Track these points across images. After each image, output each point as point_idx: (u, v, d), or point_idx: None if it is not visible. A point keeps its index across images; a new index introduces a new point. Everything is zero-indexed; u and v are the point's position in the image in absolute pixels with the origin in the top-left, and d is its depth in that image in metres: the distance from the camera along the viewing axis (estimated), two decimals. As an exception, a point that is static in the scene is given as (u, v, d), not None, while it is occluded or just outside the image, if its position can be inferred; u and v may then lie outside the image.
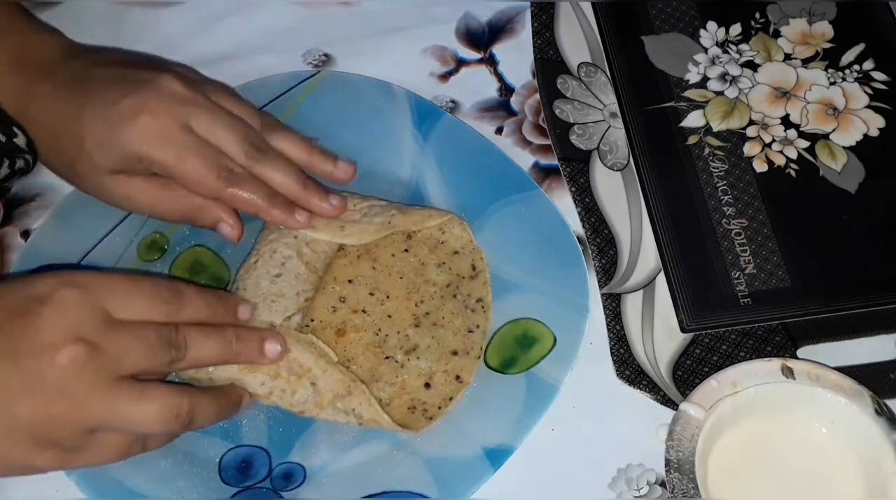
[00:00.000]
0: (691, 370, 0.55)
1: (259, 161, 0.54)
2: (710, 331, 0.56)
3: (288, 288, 0.55)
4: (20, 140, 0.52)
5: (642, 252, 0.58)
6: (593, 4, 0.67)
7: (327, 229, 0.56)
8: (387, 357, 0.54)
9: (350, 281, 0.56)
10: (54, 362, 0.43)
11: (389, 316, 0.55)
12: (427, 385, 0.54)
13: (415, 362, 0.54)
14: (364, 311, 0.55)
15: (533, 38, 0.66)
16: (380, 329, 0.55)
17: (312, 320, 0.55)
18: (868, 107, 0.63)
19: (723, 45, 0.66)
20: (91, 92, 0.53)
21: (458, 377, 0.54)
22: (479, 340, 0.55)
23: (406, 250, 0.57)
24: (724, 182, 0.61)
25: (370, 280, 0.56)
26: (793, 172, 0.61)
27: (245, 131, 0.54)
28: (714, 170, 0.61)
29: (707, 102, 0.63)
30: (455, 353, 0.54)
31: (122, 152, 0.52)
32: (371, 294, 0.56)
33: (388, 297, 0.56)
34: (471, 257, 0.57)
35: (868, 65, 0.65)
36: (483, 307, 0.56)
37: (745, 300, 0.57)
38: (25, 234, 0.59)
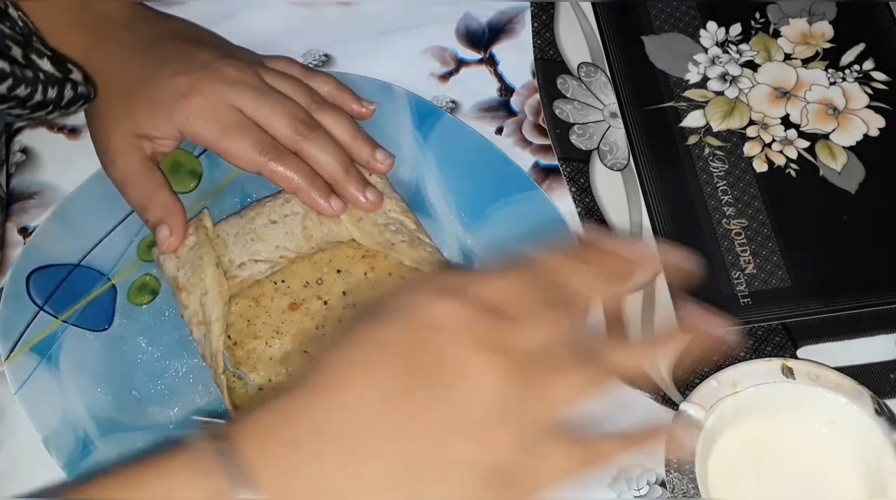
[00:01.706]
0: (691, 370, 0.55)
1: (306, 138, 0.55)
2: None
3: (272, 237, 0.55)
4: (77, 75, 0.53)
5: (642, 252, 0.58)
6: (593, 4, 0.67)
7: (347, 213, 0.56)
8: (305, 351, 0.53)
9: (339, 271, 0.56)
10: (477, 383, 0.38)
11: (339, 321, 0.54)
12: None
13: None
14: (326, 303, 0.55)
15: (533, 38, 0.66)
16: (323, 326, 0.54)
17: (283, 281, 0.55)
18: (868, 107, 0.63)
19: (723, 45, 0.66)
20: (152, 61, 0.55)
21: None
22: None
23: (403, 277, 0.55)
24: (724, 182, 0.61)
25: (354, 281, 0.55)
26: (793, 172, 0.61)
27: (293, 109, 0.55)
28: (714, 170, 0.61)
29: (707, 102, 0.63)
30: None
31: (167, 124, 0.54)
32: (344, 294, 0.55)
33: (353, 304, 0.55)
34: None
35: (868, 65, 0.65)
36: None
37: (745, 300, 0.57)
38: (24, 231, 0.59)
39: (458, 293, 0.40)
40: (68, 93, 0.52)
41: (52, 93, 0.51)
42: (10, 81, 0.48)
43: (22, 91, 0.49)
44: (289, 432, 0.38)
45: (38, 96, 0.50)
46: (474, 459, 0.37)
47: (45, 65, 0.51)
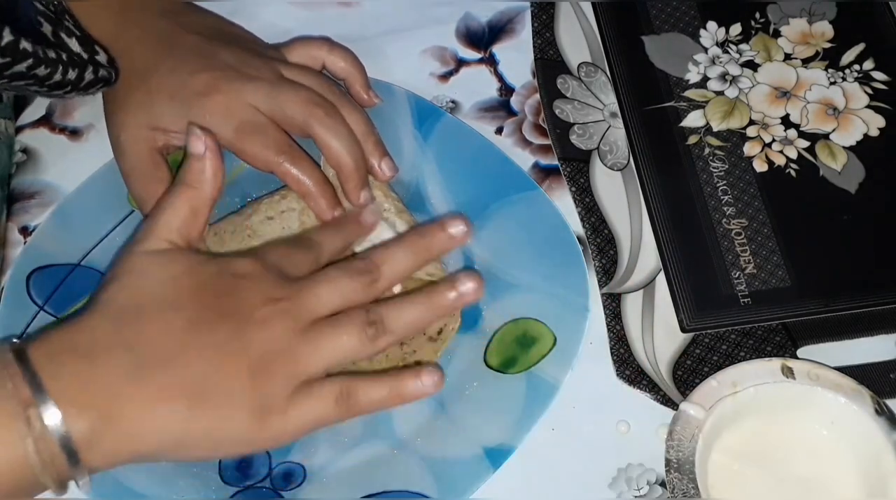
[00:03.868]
0: (691, 370, 0.55)
1: (321, 122, 0.54)
2: (710, 331, 0.56)
3: (269, 233, 0.55)
4: (101, 57, 0.54)
5: (642, 252, 0.58)
6: (593, 4, 0.67)
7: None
8: None
9: None
10: (258, 325, 0.44)
11: None
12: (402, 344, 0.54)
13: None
14: None
15: (533, 38, 0.66)
16: None
17: None
18: (868, 107, 0.63)
19: (723, 45, 0.66)
20: (175, 55, 0.56)
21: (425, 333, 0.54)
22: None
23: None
24: (724, 182, 0.61)
25: None
26: (793, 172, 0.61)
27: (308, 96, 0.55)
28: (714, 170, 0.61)
29: (707, 102, 0.63)
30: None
31: (184, 120, 0.54)
32: None
33: None
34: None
35: (868, 65, 0.65)
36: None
37: (745, 300, 0.57)
38: (24, 230, 0.59)
39: (259, 257, 0.47)
40: (88, 76, 0.53)
41: (71, 75, 0.52)
42: (30, 61, 0.49)
43: (41, 71, 0.50)
44: (83, 345, 0.43)
45: (56, 76, 0.51)
46: (250, 393, 0.43)
47: (74, 44, 0.52)
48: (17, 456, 0.40)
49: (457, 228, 0.50)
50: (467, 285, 0.48)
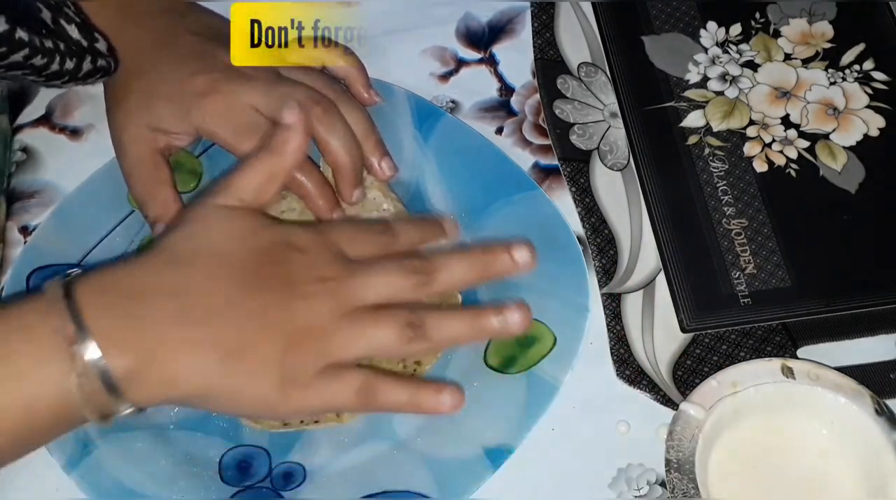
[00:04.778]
0: (691, 370, 0.55)
1: (319, 120, 0.55)
2: (710, 331, 0.56)
3: None
4: (101, 45, 0.54)
5: (642, 252, 0.58)
6: (593, 4, 0.67)
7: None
8: None
9: None
10: (302, 300, 0.45)
11: None
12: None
13: None
14: None
15: (533, 38, 0.66)
16: None
17: None
18: (868, 107, 0.63)
19: (723, 45, 0.66)
20: (175, 56, 0.56)
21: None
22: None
23: None
24: (724, 182, 0.61)
25: None
26: (793, 172, 0.61)
27: (307, 93, 0.55)
28: (714, 170, 0.61)
29: (707, 102, 0.63)
30: None
31: (184, 121, 0.54)
32: None
33: None
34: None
35: (868, 65, 0.65)
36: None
37: (745, 300, 0.57)
38: (24, 229, 0.59)
39: (323, 232, 0.48)
40: (87, 66, 0.53)
41: (69, 64, 0.52)
42: (26, 51, 0.49)
43: (38, 61, 0.50)
44: (130, 287, 0.44)
45: (54, 66, 0.51)
46: (280, 362, 0.44)
47: (73, 31, 0.52)
48: (63, 390, 0.41)
49: (522, 256, 0.49)
50: (514, 316, 0.48)
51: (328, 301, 0.45)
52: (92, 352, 0.41)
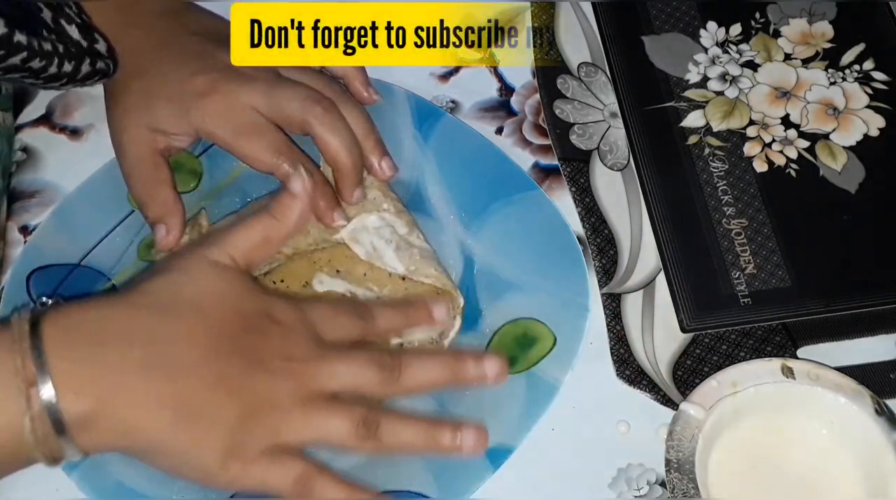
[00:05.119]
0: (691, 370, 0.55)
1: (319, 120, 0.54)
2: (710, 331, 0.56)
3: None
4: (101, 46, 0.54)
5: (642, 252, 0.58)
6: (593, 4, 0.67)
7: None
8: None
9: (338, 271, 0.56)
10: (267, 374, 0.45)
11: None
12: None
13: None
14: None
15: (533, 38, 0.66)
16: None
17: (283, 281, 0.55)
18: (868, 107, 0.63)
19: (723, 45, 0.66)
20: (175, 57, 0.56)
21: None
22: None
23: (403, 278, 0.55)
24: (724, 182, 0.61)
25: (354, 281, 0.55)
26: (793, 172, 0.61)
27: (306, 92, 0.55)
28: (714, 170, 0.61)
29: (707, 102, 0.63)
30: None
31: (184, 122, 0.54)
32: (343, 294, 0.55)
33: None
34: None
35: (868, 65, 0.65)
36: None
37: (745, 300, 0.57)
38: (24, 229, 0.59)
39: (303, 310, 0.48)
40: (86, 68, 0.53)
41: (67, 67, 0.52)
42: (24, 54, 0.49)
43: (36, 64, 0.50)
44: (99, 330, 0.43)
45: (52, 69, 0.51)
46: (230, 432, 0.44)
47: (73, 32, 0.52)
48: (16, 430, 0.41)
49: (492, 369, 0.49)
50: (468, 436, 0.48)
51: (290, 382, 0.45)
52: (47, 393, 0.41)
